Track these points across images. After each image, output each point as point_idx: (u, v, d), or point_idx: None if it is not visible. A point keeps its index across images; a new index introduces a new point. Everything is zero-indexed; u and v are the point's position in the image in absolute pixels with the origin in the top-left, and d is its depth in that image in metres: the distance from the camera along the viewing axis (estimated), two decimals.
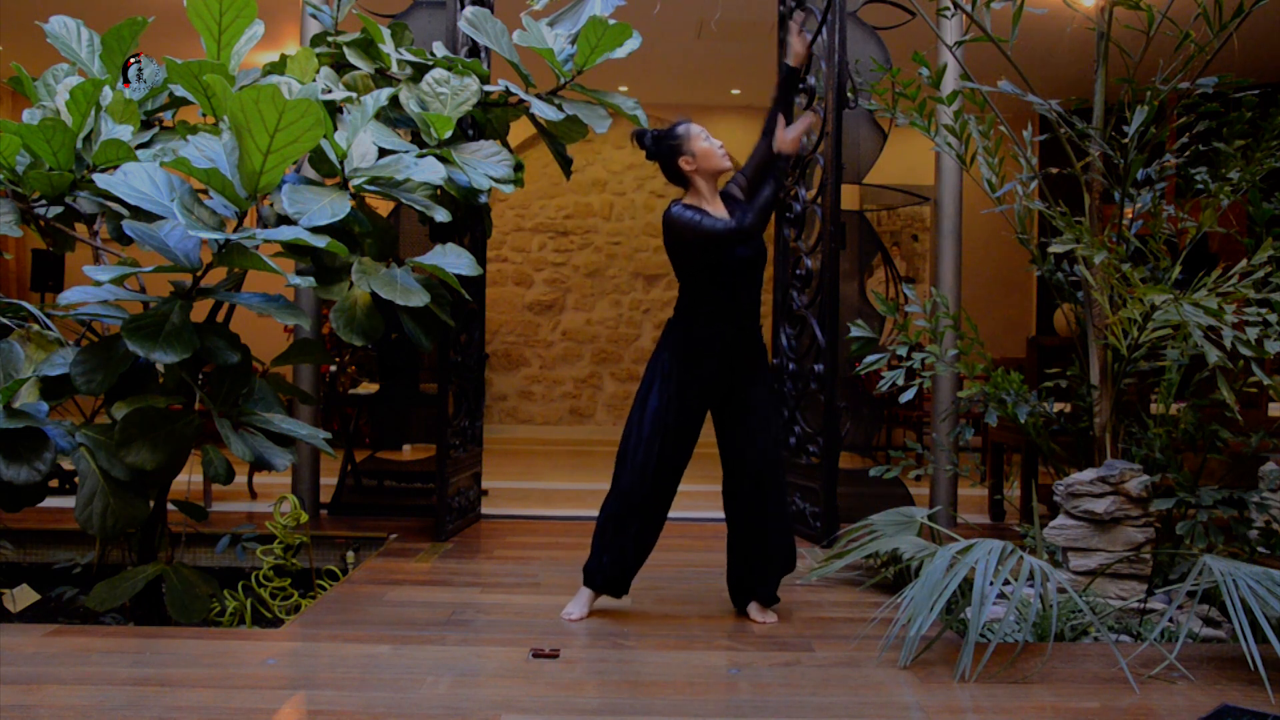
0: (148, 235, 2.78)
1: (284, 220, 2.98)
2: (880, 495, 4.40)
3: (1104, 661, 2.67)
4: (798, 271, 4.48)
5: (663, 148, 3.08)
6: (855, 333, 3.59)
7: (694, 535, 4.29)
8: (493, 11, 4.42)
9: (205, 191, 2.93)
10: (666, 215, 3.02)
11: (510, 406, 9.05)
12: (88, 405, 3.20)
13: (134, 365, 2.94)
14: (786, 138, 3.02)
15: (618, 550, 3.06)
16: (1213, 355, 2.64)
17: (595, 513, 3.16)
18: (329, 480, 4.91)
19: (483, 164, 3.52)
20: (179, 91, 3.27)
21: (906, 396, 3.54)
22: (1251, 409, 4.19)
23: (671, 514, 3.17)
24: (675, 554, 3.96)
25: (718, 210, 3.06)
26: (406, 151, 3.29)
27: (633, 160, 9.09)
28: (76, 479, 2.88)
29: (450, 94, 3.57)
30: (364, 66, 3.68)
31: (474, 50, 4.37)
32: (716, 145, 3.08)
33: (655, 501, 3.06)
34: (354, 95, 3.40)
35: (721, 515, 3.19)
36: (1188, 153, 3.34)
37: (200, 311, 3.06)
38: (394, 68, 3.69)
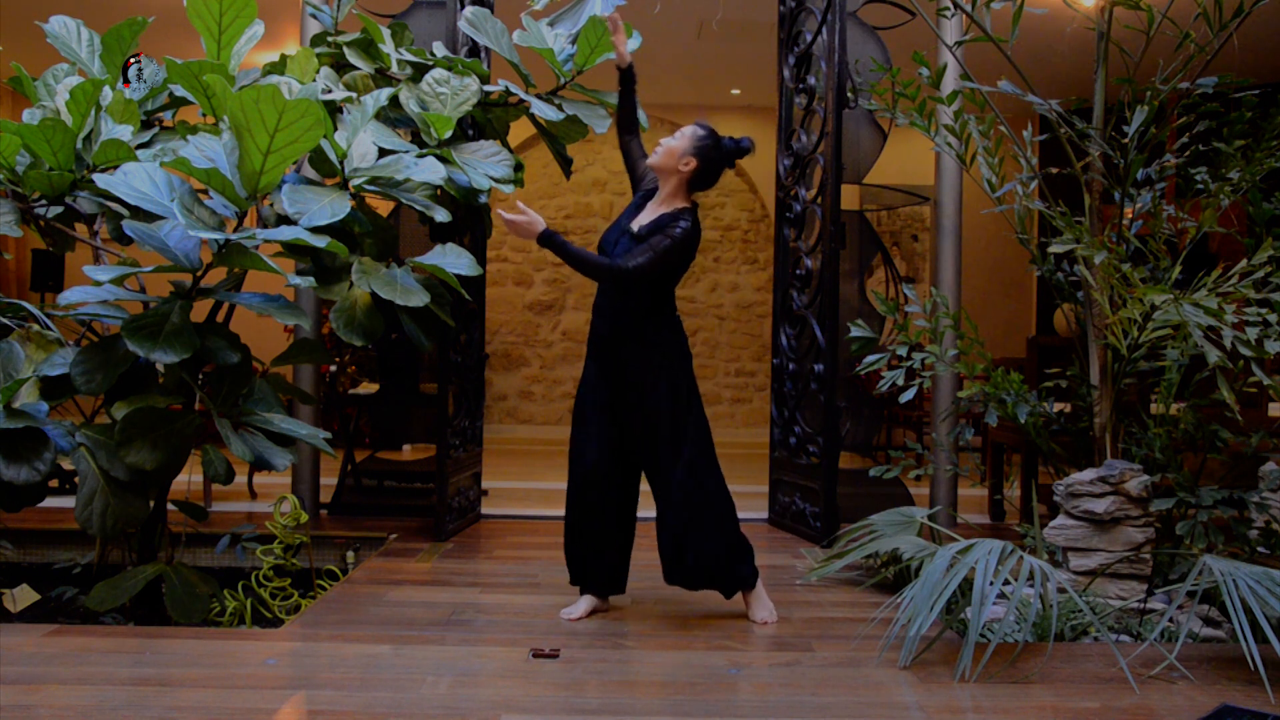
0: (148, 235, 2.78)
1: (284, 220, 2.98)
2: (880, 495, 4.40)
3: (1104, 661, 2.67)
4: (798, 271, 4.48)
5: None
6: (855, 333, 3.59)
7: None
8: (493, 11, 4.42)
9: (205, 191, 2.93)
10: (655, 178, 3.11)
11: (510, 406, 9.05)
12: (88, 405, 3.20)
13: (134, 365, 2.94)
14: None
15: (578, 552, 3.12)
16: (1213, 355, 2.64)
17: None
18: (329, 480, 4.91)
19: (483, 164, 3.52)
20: (179, 91, 3.27)
21: (906, 396, 3.54)
22: (1251, 409, 4.19)
23: None
24: None
25: (646, 210, 3.08)
26: (406, 151, 3.29)
27: None
28: (76, 479, 2.88)
29: (450, 94, 3.57)
30: (364, 66, 3.68)
31: (474, 50, 4.37)
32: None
33: (597, 506, 3.06)
34: (354, 95, 3.40)
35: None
36: (1188, 153, 3.34)
37: (200, 311, 3.07)
38: (394, 68, 3.70)
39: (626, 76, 3.27)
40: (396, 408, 5.20)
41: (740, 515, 3.13)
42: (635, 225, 3.04)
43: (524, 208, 2.92)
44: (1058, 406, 3.74)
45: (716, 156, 3.01)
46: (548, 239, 2.89)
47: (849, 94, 4.23)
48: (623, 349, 3.03)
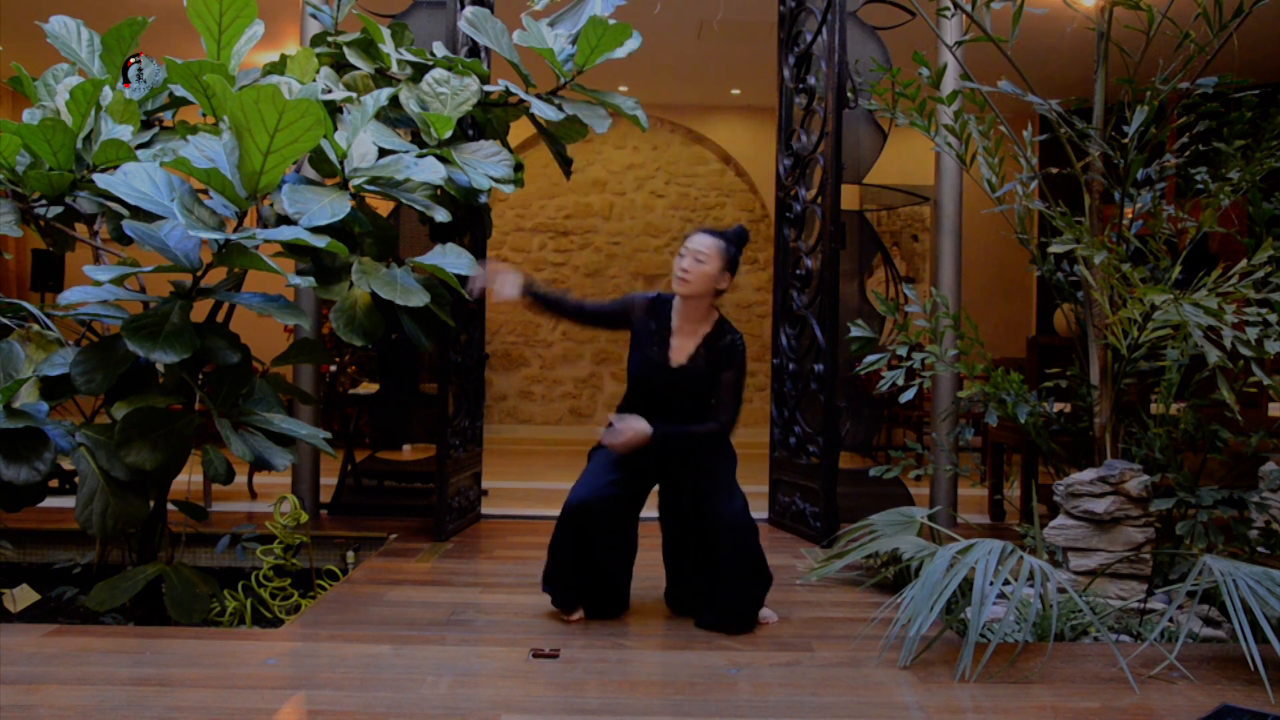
0: (148, 235, 2.78)
1: (284, 220, 2.98)
2: (880, 495, 4.40)
3: (1104, 661, 2.67)
4: (798, 271, 4.48)
5: None
6: (855, 333, 3.59)
7: None
8: (493, 11, 4.42)
9: (205, 191, 2.93)
10: (644, 296, 3.02)
11: (510, 406, 9.05)
12: (88, 405, 3.20)
13: (134, 365, 2.94)
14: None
15: (578, 584, 3.04)
16: (1213, 355, 2.64)
17: None
18: (329, 480, 4.91)
19: (483, 164, 3.52)
20: (179, 91, 3.27)
21: (906, 396, 3.54)
22: (1251, 409, 4.19)
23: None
24: None
25: (680, 335, 2.97)
26: (406, 151, 3.29)
27: (633, 160, 9.09)
28: (76, 479, 2.88)
29: (450, 94, 3.57)
30: (364, 66, 3.68)
31: (474, 50, 4.37)
32: (679, 264, 2.91)
33: (617, 539, 3.02)
34: (354, 95, 3.40)
35: None
36: (1188, 153, 3.34)
37: (200, 311, 3.06)
38: (394, 68, 3.70)
39: (539, 299, 3.08)
40: (396, 408, 5.21)
41: None
42: (682, 359, 2.95)
43: (621, 419, 2.85)
44: (1058, 406, 3.74)
45: (738, 257, 2.98)
46: (661, 437, 2.87)
47: (849, 94, 4.23)
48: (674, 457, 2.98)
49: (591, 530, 2.94)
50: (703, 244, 2.92)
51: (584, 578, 3.02)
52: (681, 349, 2.97)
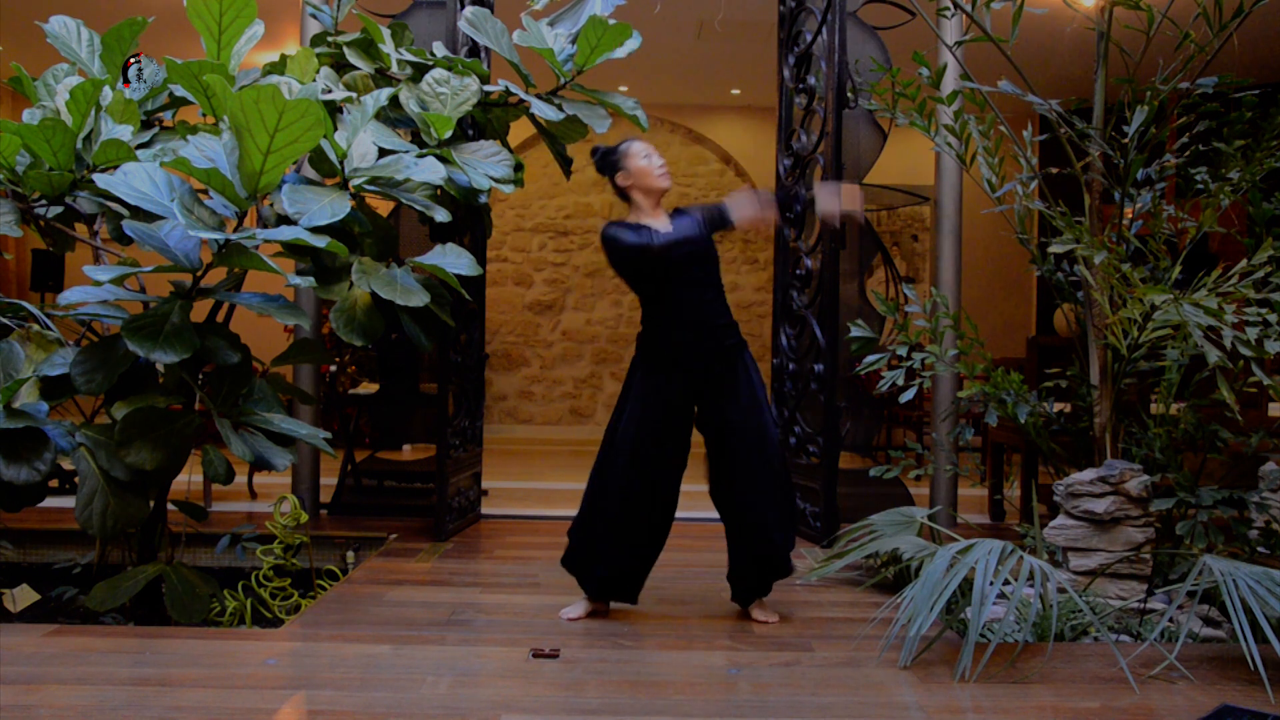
0: (148, 235, 2.78)
1: (284, 220, 2.98)
2: (880, 495, 4.40)
3: (1104, 661, 2.67)
4: (798, 271, 4.48)
5: (605, 163, 3.13)
6: (855, 333, 3.59)
7: (694, 535, 4.29)
8: (493, 11, 4.42)
9: (205, 191, 2.93)
10: (601, 235, 3.04)
11: (510, 406, 9.05)
12: (88, 405, 3.20)
13: (134, 365, 2.94)
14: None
15: (610, 558, 3.05)
16: (1213, 355, 2.64)
17: None
18: (329, 480, 4.90)
19: (483, 164, 3.52)
20: (179, 91, 3.27)
21: (906, 396, 3.54)
22: (1251, 409, 4.19)
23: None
24: (675, 554, 3.95)
25: (658, 224, 3.06)
26: (406, 151, 3.29)
27: None
28: (76, 479, 2.88)
29: (450, 94, 3.57)
30: (364, 66, 3.68)
31: (474, 50, 4.37)
32: (656, 164, 3.09)
33: (643, 512, 3.04)
34: (354, 95, 3.40)
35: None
36: (1188, 153, 3.34)
37: (200, 311, 3.07)
38: (394, 68, 3.69)
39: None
40: (396, 408, 5.22)
41: None
42: (671, 230, 3.06)
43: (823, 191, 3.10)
44: (1058, 406, 3.74)
45: None
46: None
47: (849, 94, 4.23)
48: (718, 352, 3.01)
49: (659, 496, 3.04)
50: (647, 148, 3.12)
51: (645, 551, 3.08)
52: (672, 230, 3.05)
